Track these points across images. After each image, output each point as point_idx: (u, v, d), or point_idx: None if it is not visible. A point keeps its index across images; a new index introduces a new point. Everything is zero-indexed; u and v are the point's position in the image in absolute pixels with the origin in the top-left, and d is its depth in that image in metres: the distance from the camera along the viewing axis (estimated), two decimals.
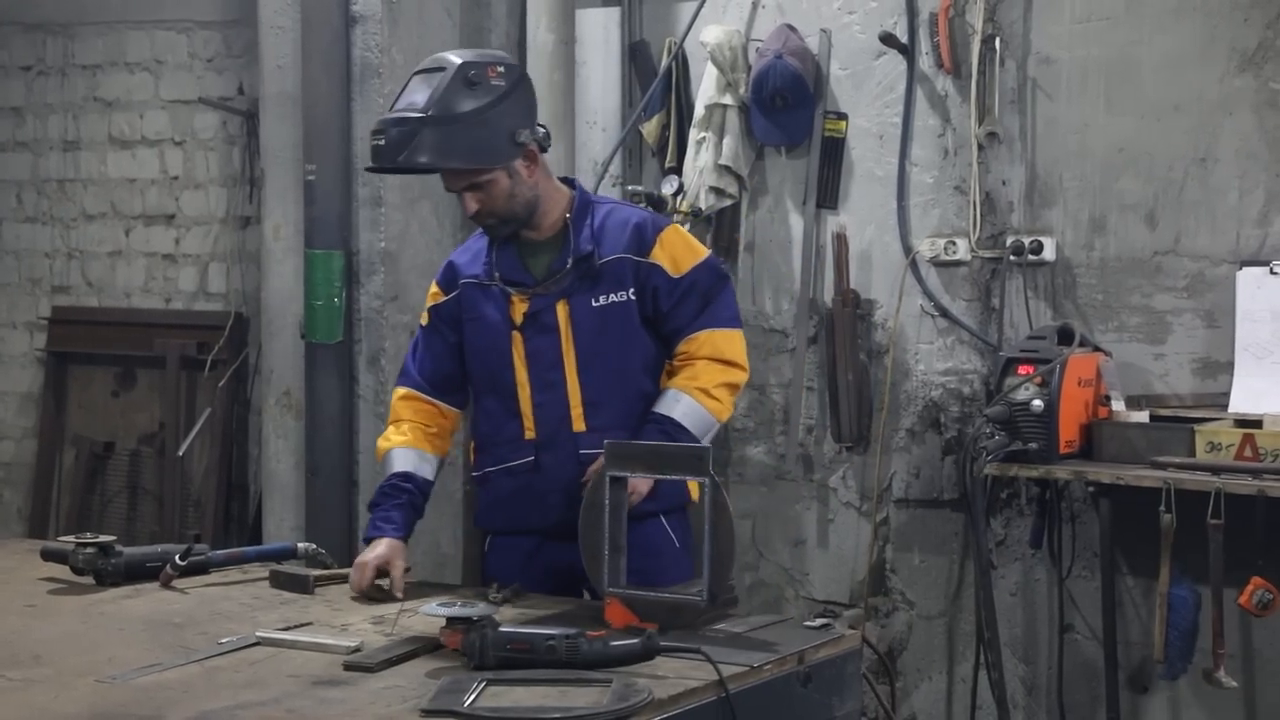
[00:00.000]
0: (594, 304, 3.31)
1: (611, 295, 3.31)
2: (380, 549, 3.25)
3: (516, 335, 3.33)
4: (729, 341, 3.35)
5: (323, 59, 4.97)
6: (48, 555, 3.41)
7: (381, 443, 3.48)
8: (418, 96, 3.21)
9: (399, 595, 3.16)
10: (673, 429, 3.25)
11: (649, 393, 3.34)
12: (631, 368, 3.33)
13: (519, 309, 3.33)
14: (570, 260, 3.31)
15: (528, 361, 3.33)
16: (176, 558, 3.28)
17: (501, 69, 3.27)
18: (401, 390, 3.50)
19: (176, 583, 3.27)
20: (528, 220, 3.33)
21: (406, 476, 3.39)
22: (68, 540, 3.40)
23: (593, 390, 3.30)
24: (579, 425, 3.30)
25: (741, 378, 3.37)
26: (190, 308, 6.04)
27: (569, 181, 3.46)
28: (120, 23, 6.14)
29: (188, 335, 5.95)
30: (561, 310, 3.31)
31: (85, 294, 6.31)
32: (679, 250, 3.36)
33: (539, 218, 3.34)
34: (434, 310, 3.46)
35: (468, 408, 3.52)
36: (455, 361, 3.44)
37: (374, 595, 3.17)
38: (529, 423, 3.33)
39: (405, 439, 3.43)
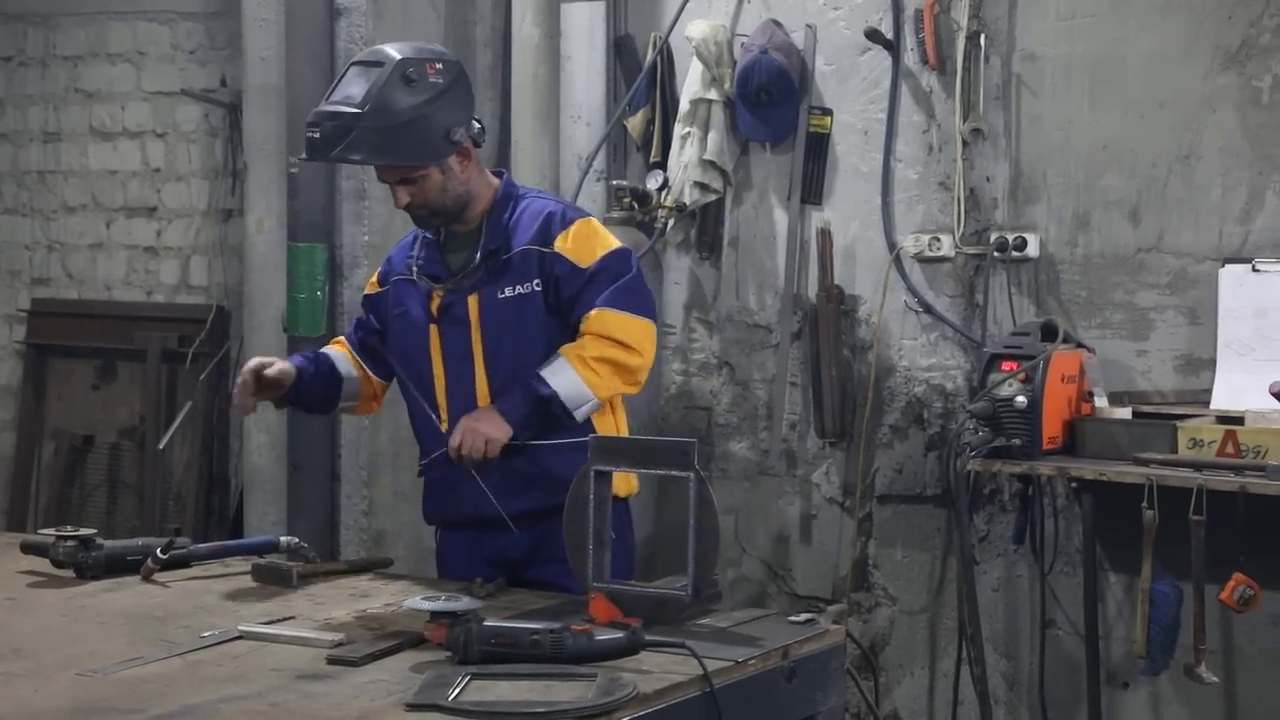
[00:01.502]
0: (500, 296, 3.34)
1: (518, 287, 3.34)
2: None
3: (433, 328, 3.39)
4: (623, 324, 3.30)
5: (306, 51, 4.95)
6: (28, 548, 3.39)
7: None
8: (354, 90, 3.23)
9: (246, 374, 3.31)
10: (535, 382, 3.26)
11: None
12: (537, 358, 3.32)
13: (435, 302, 3.40)
14: (479, 254, 3.35)
15: (443, 354, 3.38)
16: (158, 551, 3.27)
17: (440, 65, 3.29)
18: (340, 341, 3.63)
19: (158, 576, 3.25)
20: (458, 214, 3.38)
21: (325, 356, 3.53)
22: (48, 533, 3.38)
23: (499, 381, 3.33)
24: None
25: (633, 361, 3.31)
26: (172, 300, 6.02)
27: (499, 174, 3.50)
28: (102, 13, 6.11)
29: (169, 328, 5.92)
30: (472, 302, 3.36)
31: (66, 286, 6.28)
32: (586, 240, 3.36)
33: (468, 211, 3.39)
34: (367, 299, 3.56)
35: (391, 383, 3.60)
36: (378, 346, 3.53)
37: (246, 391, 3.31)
38: (443, 413, 3.38)
39: (340, 348, 3.59)
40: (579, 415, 3.29)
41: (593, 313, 3.31)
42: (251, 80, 5.23)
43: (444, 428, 3.37)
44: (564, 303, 3.34)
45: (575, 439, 3.22)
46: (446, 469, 3.37)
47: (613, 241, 3.42)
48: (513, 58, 5.18)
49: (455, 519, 3.45)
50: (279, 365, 3.38)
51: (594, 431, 3.25)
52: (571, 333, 3.35)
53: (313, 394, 3.49)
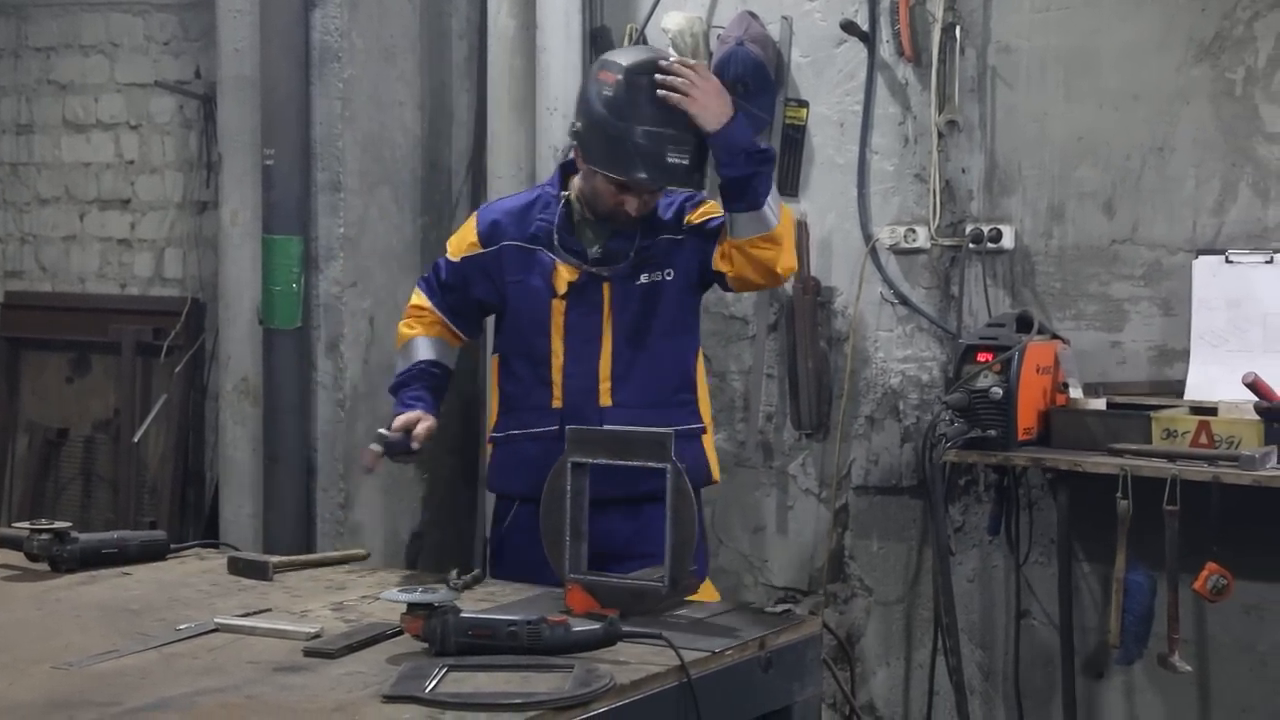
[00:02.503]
0: (638, 283, 3.38)
1: (653, 274, 3.39)
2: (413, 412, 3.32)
3: (557, 304, 3.38)
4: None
5: (281, 42, 4.93)
6: (1, 541, 3.37)
7: (404, 329, 3.57)
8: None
9: (415, 445, 3.26)
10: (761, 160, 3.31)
11: (678, 375, 3.42)
12: (664, 348, 3.40)
13: (563, 278, 3.39)
14: (635, 245, 3.38)
15: (565, 332, 3.38)
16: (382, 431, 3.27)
17: None
18: (424, 300, 3.57)
19: (132, 568, 3.23)
20: None
21: (433, 363, 3.47)
22: (22, 527, 3.36)
23: (623, 366, 3.35)
24: (605, 400, 3.36)
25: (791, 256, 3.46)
26: (146, 293, 5.99)
27: None
28: (75, 4, 6.08)
29: (143, 321, 5.90)
30: (606, 285, 3.37)
31: (39, 279, 6.25)
32: (715, 209, 3.47)
33: None
34: (468, 260, 3.51)
35: (477, 339, 3.63)
36: (474, 308, 3.53)
37: (396, 450, 3.27)
38: (557, 391, 3.38)
39: (429, 331, 3.51)
40: (766, 208, 3.33)
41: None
42: (226, 72, 5.21)
43: (555, 404, 3.37)
44: (705, 257, 3.41)
45: (693, 426, 3.39)
46: (550, 444, 3.26)
47: None
48: (488, 49, 5.18)
49: (538, 494, 3.24)
50: (424, 425, 3.31)
51: (702, 427, 3.44)
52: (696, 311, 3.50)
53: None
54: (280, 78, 4.95)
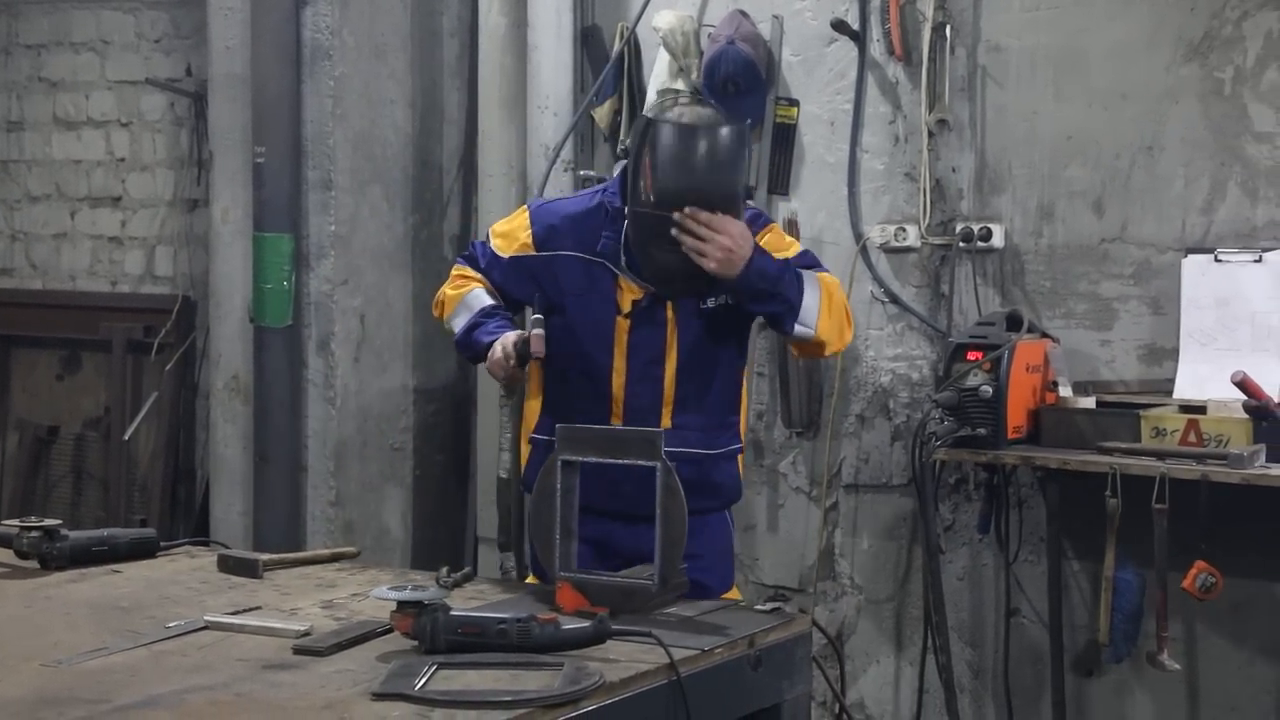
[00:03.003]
0: (703, 305, 3.31)
1: (719, 298, 3.31)
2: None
3: (621, 322, 3.30)
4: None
5: (273, 40, 4.93)
6: None
7: (450, 291, 3.43)
8: None
9: (539, 352, 3.17)
10: (789, 272, 3.25)
11: (731, 397, 3.38)
12: (722, 371, 3.35)
13: (628, 296, 3.30)
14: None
15: (628, 351, 3.31)
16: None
17: None
18: (469, 270, 3.45)
19: (122, 566, 3.23)
20: None
21: (496, 307, 3.37)
22: (12, 524, 3.36)
23: (685, 389, 3.29)
24: (666, 422, 3.29)
25: (849, 334, 3.45)
26: (137, 291, 5.99)
27: None
28: (65, 1, 6.07)
29: (134, 318, 5.90)
30: (670, 306, 3.30)
31: (29, 276, 6.25)
32: (780, 239, 3.41)
33: None
34: (517, 260, 3.38)
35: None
36: (506, 300, 3.42)
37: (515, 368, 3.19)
38: (618, 408, 3.31)
39: (483, 284, 3.41)
40: (799, 326, 3.26)
41: (825, 274, 3.36)
42: (217, 69, 5.21)
43: (617, 423, 3.28)
44: None
45: (734, 447, 3.39)
46: None
47: (797, 244, 3.48)
48: (480, 47, 5.18)
49: (604, 508, 3.21)
50: (537, 333, 3.20)
51: (740, 447, 3.44)
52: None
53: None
54: (271, 75, 4.95)
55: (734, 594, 3.42)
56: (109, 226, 6.05)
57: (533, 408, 3.46)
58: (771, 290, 3.23)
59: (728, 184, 3.21)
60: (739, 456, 3.48)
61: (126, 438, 5.80)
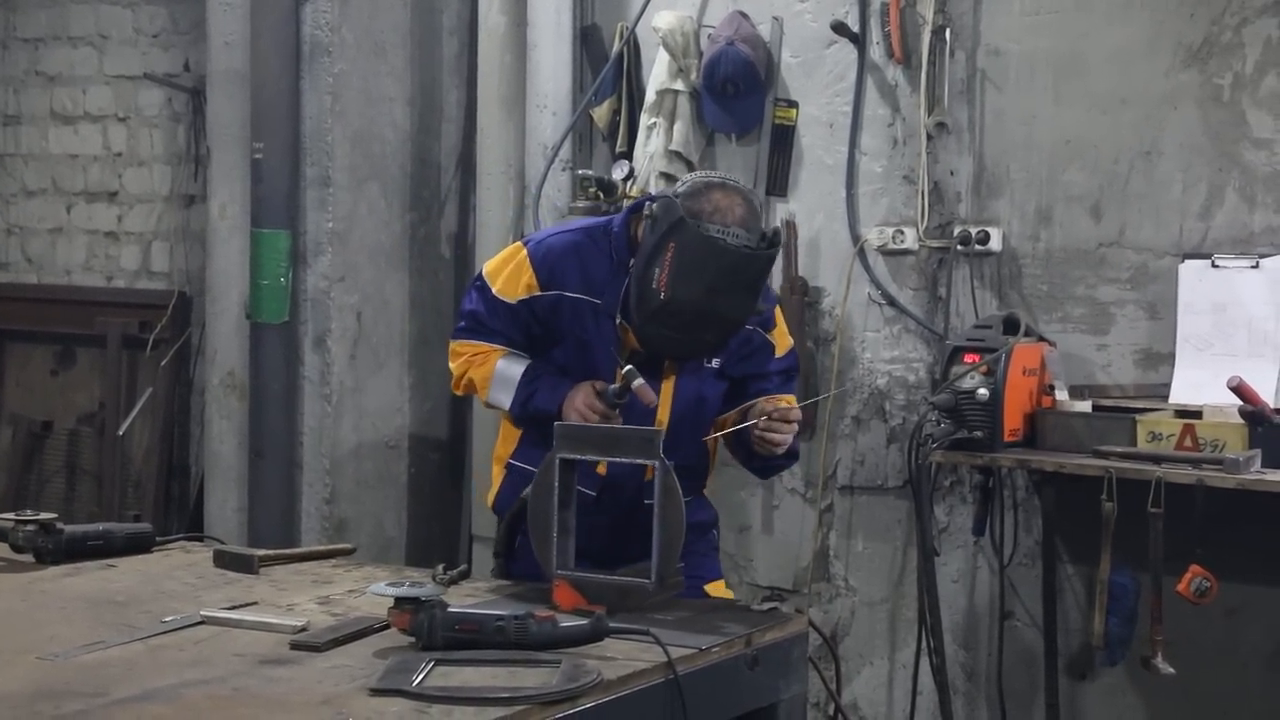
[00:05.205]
0: (705, 364, 3.29)
1: (718, 361, 3.30)
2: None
3: (620, 368, 3.20)
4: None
5: (272, 36, 4.93)
6: None
7: (473, 374, 3.33)
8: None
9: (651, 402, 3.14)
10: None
11: (703, 451, 3.37)
12: (703, 427, 3.34)
13: (628, 344, 3.24)
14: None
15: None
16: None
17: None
18: (479, 344, 3.33)
19: (117, 560, 3.22)
20: None
21: (531, 368, 3.28)
22: (7, 518, 3.35)
23: (673, 440, 3.15)
24: (649, 473, 3.17)
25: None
26: (132, 286, 5.98)
27: None
28: None
29: (130, 314, 5.89)
30: (670, 362, 3.27)
31: (25, 271, 6.23)
32: (783, 333, 3.42)
33: None
34: (525, 304, 3.28)
35: None
36: (527, 343, 3.33)
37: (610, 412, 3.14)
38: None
39: (503, 353, 3.32)
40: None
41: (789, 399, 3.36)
42: (215, 65, 5.20)
43: (600, 469, 3.21)
44: (744, 368, 3.34)
45: (707, 517, 3.47)
46: (585, 508, 3.04)
47: (789, 337, 3.47)
48: (479, 46, 5.18)
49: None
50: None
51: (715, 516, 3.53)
52: (734, 390, 3.36)
53: None
54: (270, 72, 4.95)
55: (719, 586, 3.44)
56: (105, 221, 6.04)
57: (512, 431, 3.38)
58: (786, 466, 3.39)
59: (742, 308, 3.17)
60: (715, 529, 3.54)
61: (121, 433, 5.79)
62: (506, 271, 3.32)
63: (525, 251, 3.32)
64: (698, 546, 3.35)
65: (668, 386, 3.28)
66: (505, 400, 3.30)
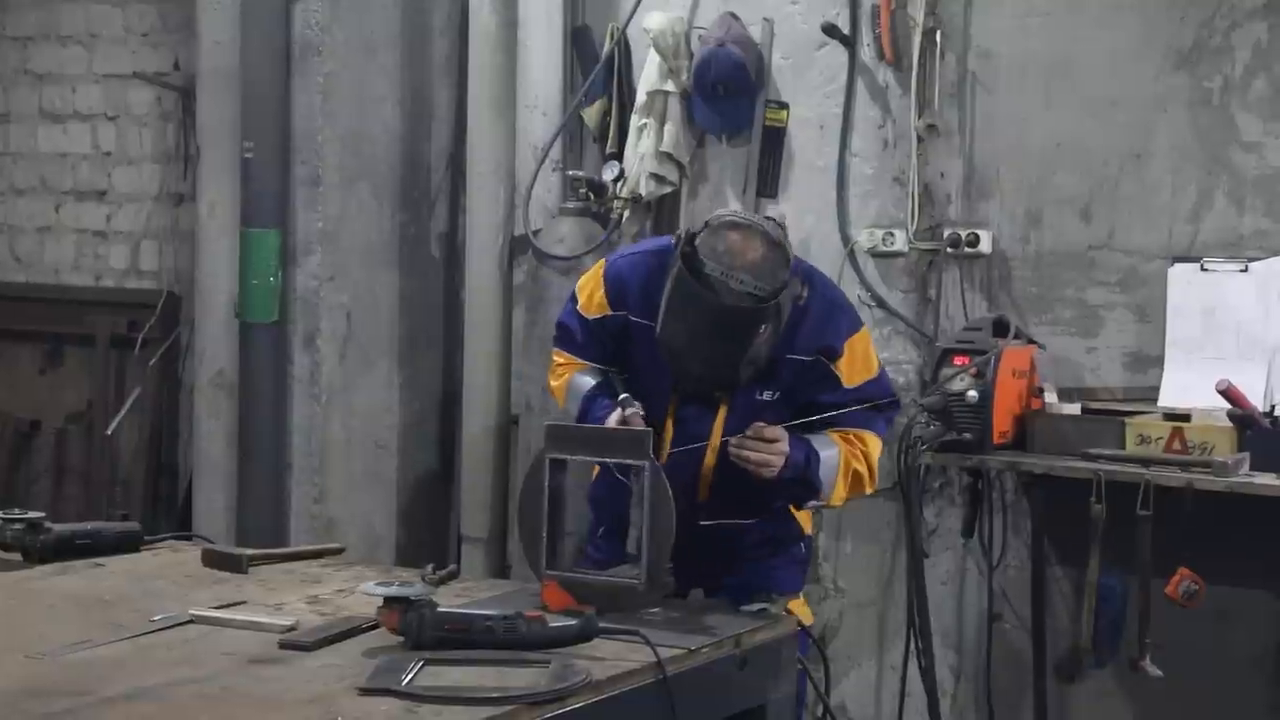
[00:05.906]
0: (758, 396, 3.23)
1: (777, 391, 3.23)
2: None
3: (675, 393, 3.24)
4: (878, 452, 3.32)
5: (262, 35, 4.92)
6: None
7: (554, 382, 3.42)
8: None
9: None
10: (815, 461, 3.20)
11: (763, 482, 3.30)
12: None
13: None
14: (756, 367, 3.17)
15: (676, 421, 3.25)
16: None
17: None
18: (569, 357, 3.39)
19: (105, 559, 3.21)
20: None
21: (597, 386, 3.31)
22: None
23: (722, 472, 3.21)
24: (704, 494, 3.25)
25: (869, 489, 3.37)
26: (121, 285, 5.97)
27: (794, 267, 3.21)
28: None
29: (118, 313, 5.88)
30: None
31: (13, 270, 6.22)
32: (864, 361, 3.29)
33: None
34: (600, 322, 3.32)
35: None
36: (611, 356, 3.37)
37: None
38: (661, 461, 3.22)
39: (582, 367, 3.36)
40: (820, 499, 3.32)
41: (867, 435, 3.28)
42: (205, 64, 5.19)
43: None
44: (812, 399, 3.25)
45: (789, 530, 3.44)
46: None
47: (876, 363, 3.35)
48: (470, 45, 5.17)
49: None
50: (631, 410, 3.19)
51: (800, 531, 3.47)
52: (802, 412, 3.26)
53: None
54: (260, 71, 4.94)
55: (799, 604, 3.40)
56: (94, 220, 6.03)
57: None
58: (793, 497, 3.32)
59: (726, 354, 3.12)
60: (802, 543, 3.47)
61: (109, 432, 5.78)
62: (589, 288, 3.37)
63: (603, 270, 3.37)
64: (776, 560, 3.39)
65: (720, 416, 3.26)
66: (575, 412, 3.37)
